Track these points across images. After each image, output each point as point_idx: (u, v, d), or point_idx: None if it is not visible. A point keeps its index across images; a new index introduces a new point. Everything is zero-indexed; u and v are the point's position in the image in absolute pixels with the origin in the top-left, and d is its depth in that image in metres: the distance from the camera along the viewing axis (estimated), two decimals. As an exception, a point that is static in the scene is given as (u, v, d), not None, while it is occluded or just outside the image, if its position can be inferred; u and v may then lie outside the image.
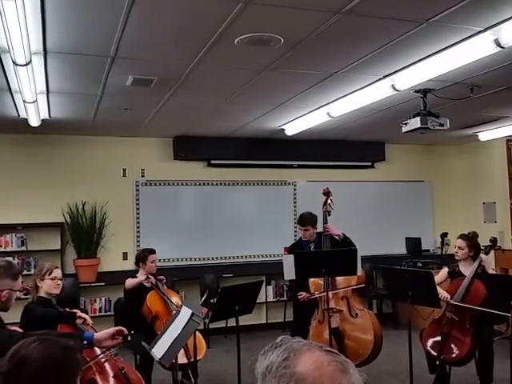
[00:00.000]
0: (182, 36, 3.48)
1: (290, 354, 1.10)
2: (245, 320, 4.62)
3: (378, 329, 4.68)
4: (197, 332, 4.35)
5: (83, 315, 3.70)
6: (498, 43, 3.52)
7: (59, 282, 3.75)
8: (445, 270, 4.77)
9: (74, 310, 3.80)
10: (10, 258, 6.41)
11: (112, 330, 2.92)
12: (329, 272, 4.43)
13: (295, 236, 7.23)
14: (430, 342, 4.46)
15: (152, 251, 4.97)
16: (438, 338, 4.38)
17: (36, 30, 3.25)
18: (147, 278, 4.72)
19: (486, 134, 7.27)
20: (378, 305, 7.84)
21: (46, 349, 1.56)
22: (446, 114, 4.86)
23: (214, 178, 7.59)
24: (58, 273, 3.76)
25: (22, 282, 3.46)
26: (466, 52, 3.77)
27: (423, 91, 4.79)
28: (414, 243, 7.81)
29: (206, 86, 4.76)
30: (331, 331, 4.50)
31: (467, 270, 4.50)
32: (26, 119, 5.54)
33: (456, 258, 4.65)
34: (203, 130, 6.89)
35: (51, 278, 3.69)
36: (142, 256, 4.95)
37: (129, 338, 2.92)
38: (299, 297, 4.88)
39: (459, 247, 4.61)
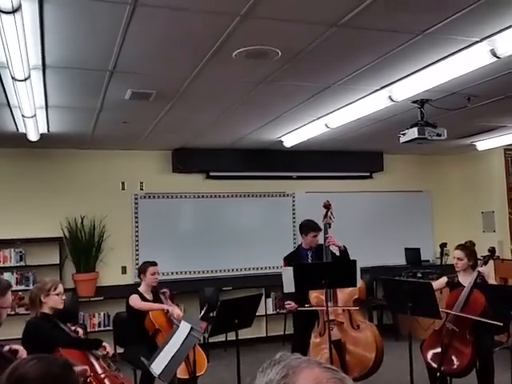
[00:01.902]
0: (181, 50, 3.50)
1: (288, 371, 1.09)
2: (244, 333, 4.59)
3: (379, 344, 4.65)
4: (197, 347, 4.33)
5: (108, 348, 3.71)
6: (494, 53, 3.54)
7: (63, 296, 3.75)
8: (444, 279, 4.76)
9: (79, 330, 3.83)
10: (8, 274, 6.42)
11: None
12: (328, 283, 4.41)
13: (294, 247, 7.21)
14: (430, 354, 4.43)
15: (153, 263, 4.94)
16: (439, 350, 4.35)
17: (35, 44, 3.27)
18: (167, 311, 4.63)
19: (484, 144, 7.30)
20: (379, 316, 7.81)
21: (43, 367, 1.56)
22: (443, 123, 4.88)
23: (213, 190, 7.59)
24: (61, 288, 3.77)
25: (23, 298, 3.45)
26: (462, 62, 3.80)
27: (420, 102, 4.81)
28: (413, 254, 7.80)
29: (205, 99, 4.78)
30: (332, 343, 4.48)
31: (466, 280, 4.48)
32: (25, 134, 5.54)
33: (456, 269, 4.62)
34: (202, 143, 6.90)
35: (57, 294, 3.68)
36: (143, 267, 4.94)
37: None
38: (286, 306, 4.93)
39: (458, 258, 4.59)
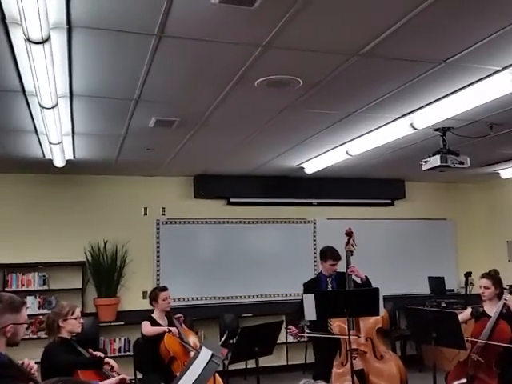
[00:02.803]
0: (204, 79, 3.57)
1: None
2: (265, 361, 4.54)
3: (404, 376, 4.54)
4: (216, 374, 4.28)
5: (111, 362, 3.68)
6: (516, 82, 3.54)
7: (81, 320, 3.76)
8: (468, 310, 4.67)
9: (101, 355, 3.78)
10: (31, 297, 6.49)
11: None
12: (350, 312, 4.34)
13: (315, 274, 7.15)
14: (455, 386, 4.32)
15: (163, 288, 4.90)
16: (464, 381, 4.24)
17: (63, 73, 3.37)
18: (169, 331, 4.58)
19: (508, 172, 7.21)
20: (402, 346, 7.65)
21: None
22: (465, 151, 4.84)
23: (234, 216, 7.62)
24: (79, 311, 3.77)
25: (43, 322, 3.47)
26: (484, 91, 3.79)
27: (442, 130, 4.79)
28: (437, 282, 7.65)
29: (227, 126, 4.84)
30: (355, 374, 4.39)
31: (492, 310, 4.39)
32: (51, 160, 5.66)
33: (483, 298, 4.53)
34: (223, 169, 6.96)
35: (74, 318, 3.68)
36: (154, 294, 4.88)
37: None
38: (288, 330, 4.90)
39: (485, 287, 4.50)
